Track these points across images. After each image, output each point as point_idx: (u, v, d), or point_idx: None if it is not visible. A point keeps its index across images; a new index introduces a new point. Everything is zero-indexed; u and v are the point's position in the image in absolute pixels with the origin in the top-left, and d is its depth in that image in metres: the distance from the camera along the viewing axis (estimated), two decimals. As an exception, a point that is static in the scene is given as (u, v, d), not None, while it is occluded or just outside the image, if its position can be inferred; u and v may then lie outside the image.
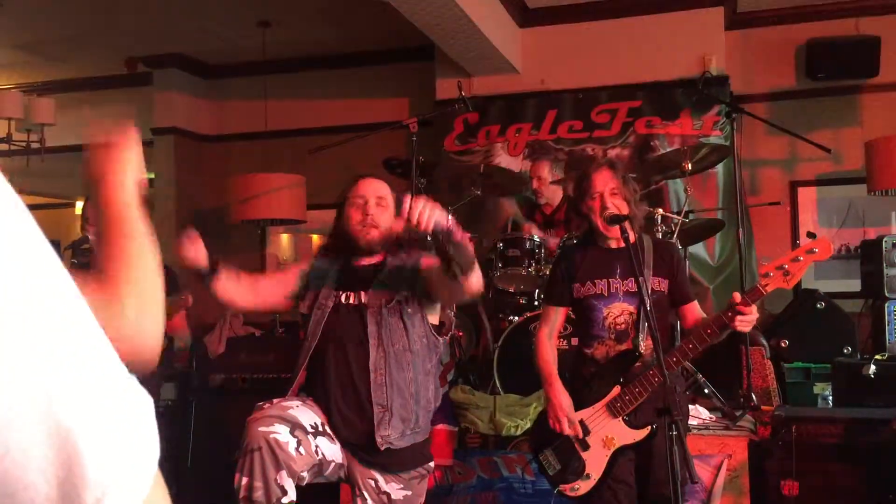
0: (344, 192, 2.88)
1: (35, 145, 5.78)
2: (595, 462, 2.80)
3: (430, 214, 2.34)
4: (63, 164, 8.38)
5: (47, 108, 5.75)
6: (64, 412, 0.52)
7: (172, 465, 3.56)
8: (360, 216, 2.78)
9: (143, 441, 0.58)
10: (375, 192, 2.81)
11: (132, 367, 0.59)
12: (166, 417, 3.64)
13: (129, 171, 1.17)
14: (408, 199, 2.40)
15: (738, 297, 2.63)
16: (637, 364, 2.80)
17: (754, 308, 2.62)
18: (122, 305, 0.93)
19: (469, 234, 2.67)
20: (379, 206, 2.80)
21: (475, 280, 2.56)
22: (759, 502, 3.64)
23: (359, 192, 2.82)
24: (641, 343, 2.82)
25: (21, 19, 6.01)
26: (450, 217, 2.40)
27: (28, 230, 0.55)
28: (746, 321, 2.61)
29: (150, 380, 3.37)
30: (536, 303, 4.65)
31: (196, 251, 2.69)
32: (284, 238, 7.17)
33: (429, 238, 2.44)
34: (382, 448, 2.63)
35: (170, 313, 3.23)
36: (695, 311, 2.95)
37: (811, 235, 2.70)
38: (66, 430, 0.52)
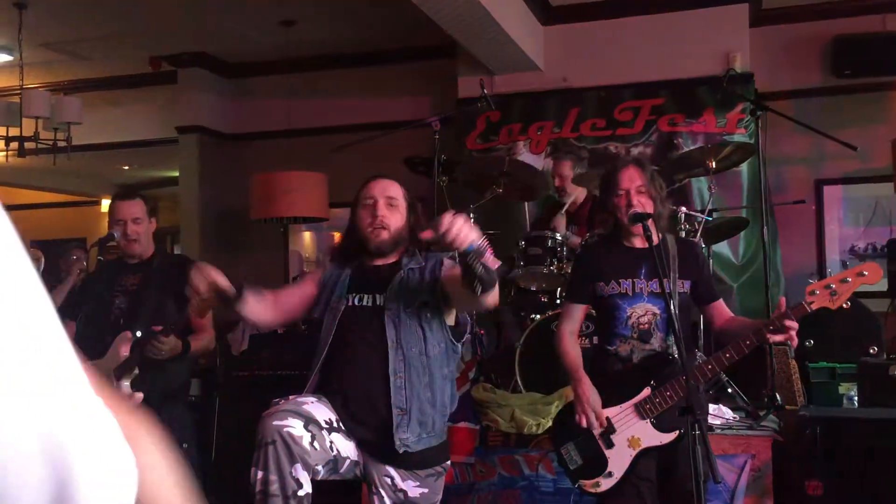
0: (356, 193, 2.87)
1: (62, 144, 5.84)
2: (618, 460, 2.80)
3: (466, 233, 2.23)
4: (89, 163, 8.49)
5: (74, 107, 5.81)
6: (59, 433, 0.53)
7: (198, 459, 3.60)
8: (369, 218, 2.76)
9: (123, 459, 0.58)
10: (384, 192, 2.77)
11: None
12: (193, 412, 3.68)
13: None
14: (448, 216, 2.27)
15: (783, 304, 2.65)
16: (669, 367, 2.79)
17: (795, 324, 2.63)
18: None
19: (492, 254, 2.56)
20: (389, 207, 2.77)
21: (493, 297, 2.51)
22: (783, 503, 3.62)
23: (369, 193, 2.79)
24: (673, 346, 2.81)
25: (47, 19, 6.08)
26: (482, 238, 2.30)
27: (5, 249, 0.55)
28: (787, 338, 2.66)
29: (180, 375, 3.41)
30: (559, 301, 4.64)
31: (214, 281, 2.65)
32: (307, 236, 7.21)
33: (458, 255, 2.35)
34: (400, 451, 2.64)
35: (202, 312, 3.26)
36: (722, 309, 2.95)
37: (812, 278, 2.73)
38: (60, 450, 0.53)
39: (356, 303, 2.78)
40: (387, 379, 2.67)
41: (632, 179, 2.84)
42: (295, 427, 2.49)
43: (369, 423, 2.69)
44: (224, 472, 5.01)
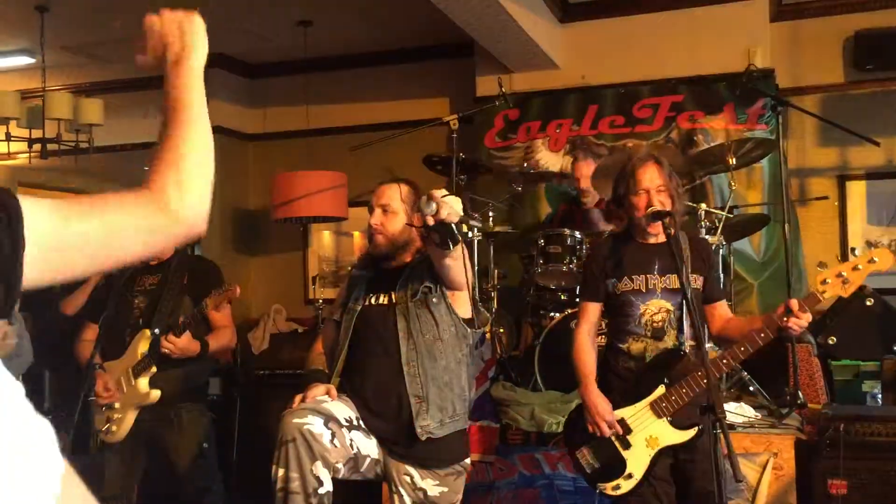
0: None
1: (84, 145, 5.89)
2: (637, 461, 2.78)
3: (453, 206, 2.43)
4: (111, 164, 8.54)
5: (95, 109, 5.85)
6: None
7: (218, 457, 3.64)
8: (369, 224, 2.88)
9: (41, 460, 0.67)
10: (379, 200, 2.88)
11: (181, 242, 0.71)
12: (211, 411, 3.71)
13: (198, 53, 1.27)
14: (433, 194, 2.46)
15: (794, 303, 2.61)
16: (682, 364, 2.77)
17: (809, 314, 2.61)
18: (165, 197, 1.06)
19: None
20: (384, 214, 2.85)
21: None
22: (805, 502, 3.59)
23: (372, 201, 2.90)
24: (686, 342, 2.79)
25: (68, 22, 6.13)
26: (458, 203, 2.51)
27: None
28: (801, 326, 2.61)
29: (199, 374, 3.45)
30: (578, 299, 4.63)
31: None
32: (326, 235, 7.23)
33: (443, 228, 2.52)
34: (423, 438, 2.65)
35: (218, 304, 3.30)
36: (724, 309, 2.95)
37: (822, 266, 2.69)
38: None
39: (372, 303, 2.83)
40: (402, 370, 2.71)
41: (652, 179, 2.82)
42: (314, 425, 2.51)
43: (390, 417, 2.71)
44: (245, 470, 5.04)
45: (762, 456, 3.64)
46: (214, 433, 3.61)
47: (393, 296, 2.81)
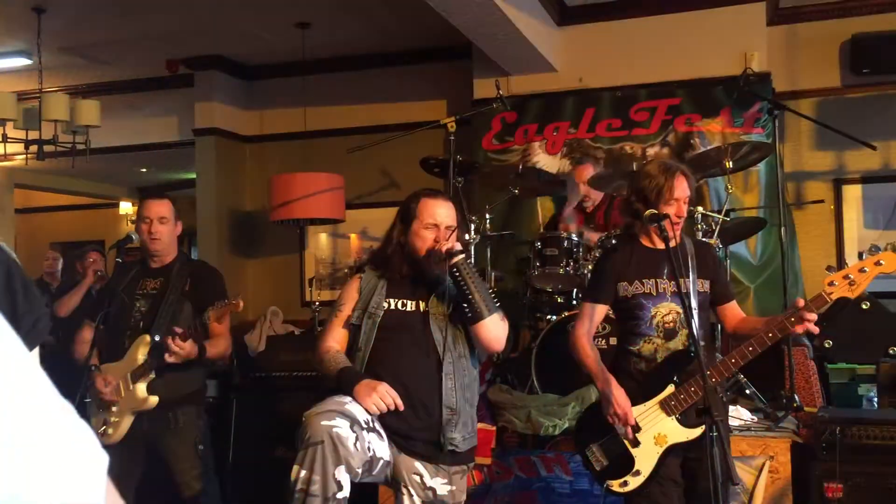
0: (413, 207, 2.90)
1: (80, 147, 5.88)
2: (645, 459, 2.80)
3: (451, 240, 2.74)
4: (107, 166, 8.54)
5: (92, 110, 5.85)
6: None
7: (214, 460, 3.63)
8: (432, 241, 2.84)
9: (85, 459, 0.67)
10: (448, 220, 2.88)
11: None
12: (208, 414, 3.71)
13: None
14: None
15: (801, 302, 2.69)
16: (691, 363, 2.79)
17: (815, 315, 2.68)
18: None
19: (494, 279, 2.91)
20: (447, 231, 2.88)
21: (493, 329, 2.79)
22: (801, 505, 3.59)
23: (435, 217, 2.87)
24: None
25: (66, 23, 6.13)
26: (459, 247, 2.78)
27: None
28: (808, 327, 2.68)
29: (195, 379, 3.44)
30: (574, 301, 4.63)
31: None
32: (323, 238, 7.23)
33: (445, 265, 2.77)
34: (447, 449, 2.71)
35: (220, 317, 3.28)
36: (736, 309, 3.00)
37: (829, 269, 2.73)
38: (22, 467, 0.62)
39: (398, 307, 2.84)
40: (438, 380, 2.75)
41: (684, 190, 2.89)
42: (342, 427, 2.51)
43: (417, 417, 2.74)
44: (240, 471, 5.03)
45: (758, 459, 3.64)
46: (210, 435, 3.60)
47: (423, 304, 2.84)
